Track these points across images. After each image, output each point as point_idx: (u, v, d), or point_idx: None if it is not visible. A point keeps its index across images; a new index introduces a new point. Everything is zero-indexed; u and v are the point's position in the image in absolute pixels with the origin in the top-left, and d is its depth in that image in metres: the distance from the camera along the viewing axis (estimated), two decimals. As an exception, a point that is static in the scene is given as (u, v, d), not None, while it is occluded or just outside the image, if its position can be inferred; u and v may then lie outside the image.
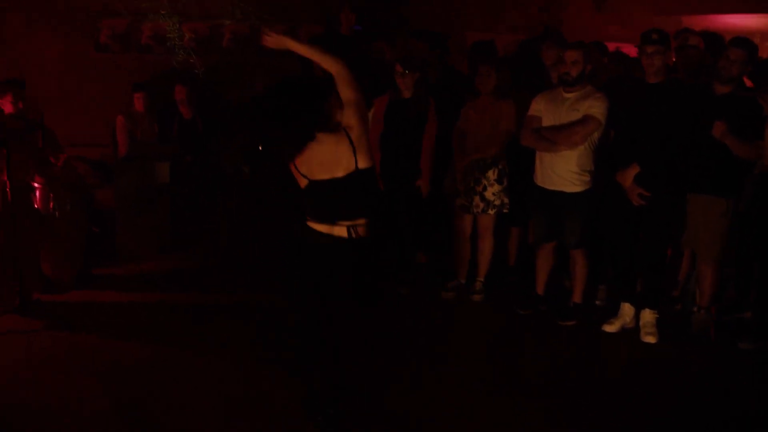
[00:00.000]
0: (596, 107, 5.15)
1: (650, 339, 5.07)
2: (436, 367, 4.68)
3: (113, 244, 6.81)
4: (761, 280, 5.12)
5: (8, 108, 5.91)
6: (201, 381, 4.41)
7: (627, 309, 5.26)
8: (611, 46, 6.61)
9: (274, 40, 3.68)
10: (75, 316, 5.39)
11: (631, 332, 5.18)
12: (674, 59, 5.83)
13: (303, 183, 3.55)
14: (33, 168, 5.87)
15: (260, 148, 7.46)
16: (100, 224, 6.57)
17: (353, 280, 3.58)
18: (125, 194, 6.83)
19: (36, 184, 5.79)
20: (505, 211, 5.73)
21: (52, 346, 4.90)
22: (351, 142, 3.45)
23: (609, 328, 5.24)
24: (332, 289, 3.57)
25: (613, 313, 5.31)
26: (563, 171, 5.26)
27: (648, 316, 5.14)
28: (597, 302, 5.71)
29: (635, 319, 5.22)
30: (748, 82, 5.48)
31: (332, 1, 7.99)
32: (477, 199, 5.71)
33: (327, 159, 3.47)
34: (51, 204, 5.79)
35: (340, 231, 3.50)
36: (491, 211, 5.70)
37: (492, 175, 5.67)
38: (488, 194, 5.68)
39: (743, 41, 5.01)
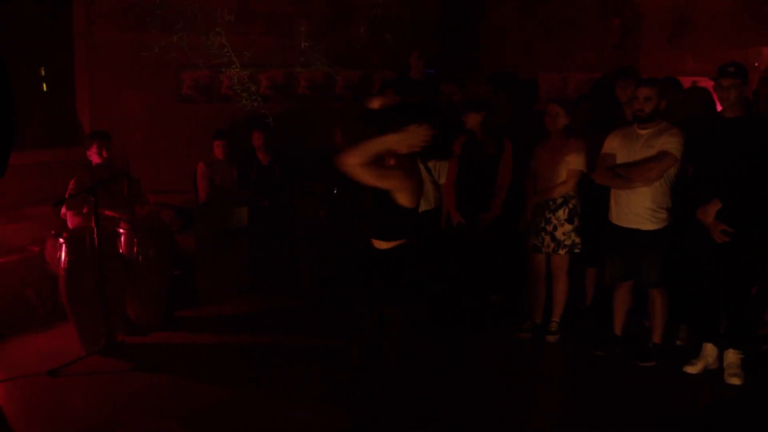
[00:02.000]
0: (671, 143, 5.07)
1: (735, 381, 4.89)
2: (514, 410, 4.62)
3: (194, 287, 6.99)
4: None
5: (95, 158, 6.22)
6: (282, 426, 4.45)
7: (710, 349, 5.09)
8: (687, 81, 6.52)
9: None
10: (158, 357, 5.53)
11: (715, 374, 5.01)
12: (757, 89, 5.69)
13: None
14: (119, 215, 6.13)
15: (335, 192, 7.64)
16: (182, 268, 6.76)
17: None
18: (205, 238, 7.01)
19: (121, 230, 6.02)
20: (576, 251, 5.66)
21: (136, 387, 5.02)
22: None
23: (691, 369, 5.08)
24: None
25: (695, 353, 5.15)
26: (639, 208, 5.18)
27: (732, 356, 4.97)
28: (678, 342, 5.54)
29: (718, 360, 5.05)
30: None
31: (403, 46, 8.14)
32: (548, 239, 5.66)
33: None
34: (135, 249, 6.00)
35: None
36: (562, 251, 5.64)
37: (562, 214, 5.62)
38: (558, 234, 5.63)
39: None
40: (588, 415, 4.60)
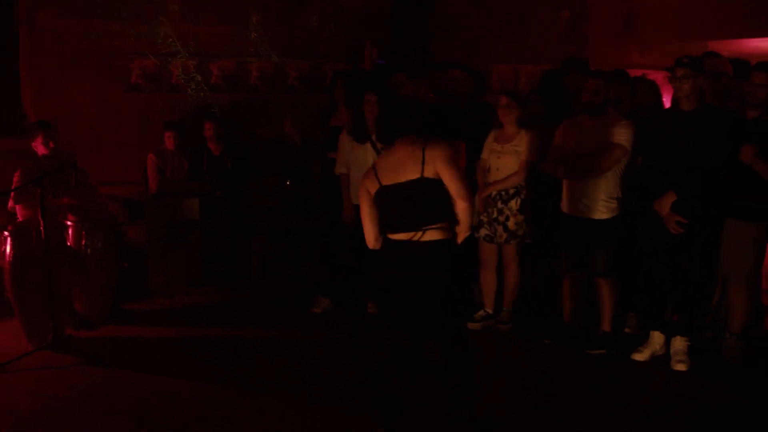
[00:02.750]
0: (622, 134, 5.15)
1: (681, 367, 5.00)
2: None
3: (144, 279, 6.89)
4: None
5: (41, 149, 6.08)
6: (236, 417, 4.42)
7: (657, 337, 5.20)
8: (634, 73, 6.62)
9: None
10: (107, 352, 5.46)
11: (662, 360, 5.11)
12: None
13: (374, 188, 3.87)
14: (66, 207, 6.00)
15: (288, 183, 7.61)
16: (131, 260, 6.66)
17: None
18: (155, 230, 6.92)
19: (69, 222, 5.90)
20: (528, 241, 5.73)
21: (85, 382, 4.94)
22: (423, 157, 3.74)
23: (639, 357, 5.18)
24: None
25: (643, 341, 5.26)
26: (590, 198, 5.26)
27: (679, 343, 5.08)
28: (627, 330, 5.65)
29: (665, 347, 5.16)
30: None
31: (355, 37, 8.12)
32: (500, 229, 5.71)
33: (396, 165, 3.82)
34: (83, 242, 5.89)
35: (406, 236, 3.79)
36: (514, 241, 5.71)
37: (514, 205, 5.67)
38: (511, 224, 5.68)
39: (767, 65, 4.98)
40: (537, 402, 4.65)
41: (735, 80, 5.74)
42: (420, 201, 3.78)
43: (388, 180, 3.83)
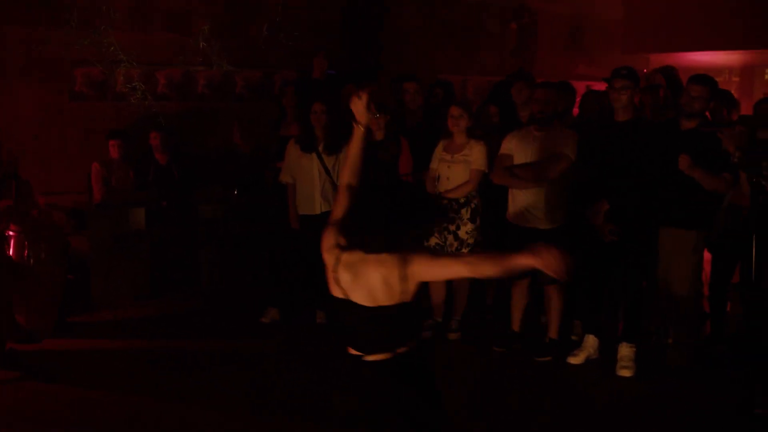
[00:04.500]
0: (567, 145, 5.24)
1: (626, 372, 5.10)
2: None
3: (89, 292, 6.75)
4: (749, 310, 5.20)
5: (-22, 160, 5.94)
6: (177, 429, 4.36)
7: (591, 341, 5.33)
8: (580, 85, 6.76)
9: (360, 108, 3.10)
10: (51, 365, 5.32)
11: (608, 366, 5.19)
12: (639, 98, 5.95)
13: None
14: (6, 217, 5.86)
15: (235, 192, 7.55)
16: (75, 272, 6.52)
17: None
18: (100, 241, 6.79)
19: (11, 233, 5.76)
20: (478, 249, 5.77)
21: (27, 397, 4.82)
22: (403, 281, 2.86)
23: (574, 360, 5.31)
24: None
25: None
26: (535, 208, 5.33)
27: (625, 349, 5.17)
28: (573, 337, 5.73)
29: (599, 351, 5.31)
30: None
31: (305, 46, 8.11)
32: (451, 237, 5.75)
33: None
34: (25, 252, 5.75)
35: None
36: (465, 250, 5.74)
37: (465, 214, 5.72)
38: (461, 233, 5.72)
39: (703, 78, 5.11)
40: (485, 410, 4.69)
41: (669, 93, 5.91)
42: (396, 324, 2.95)
43: (357, 298, 2.90)
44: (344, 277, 2.90)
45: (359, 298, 2.88)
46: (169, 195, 7.27)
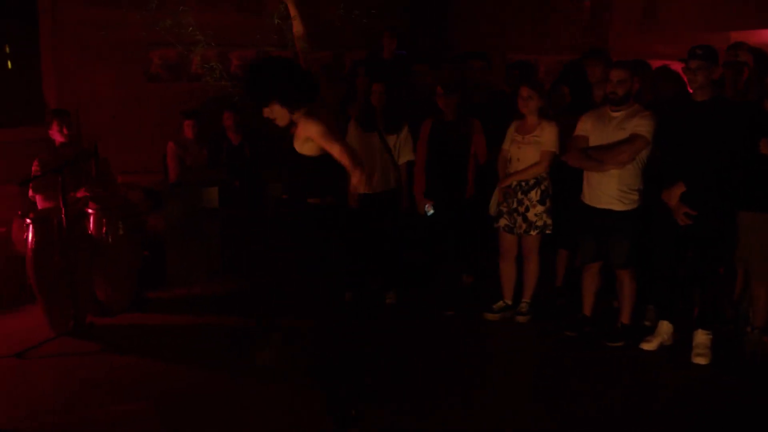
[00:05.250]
0: (643, 126, 5.11)
1: (701, 360, 4.97)
2: (484, 390, 4.66)
3: (164, 268, 6.92)
4: None
5: (57, 137, 6.13)
6: (255, 406, 4.44)
7: (665, 327, 5.21)
8: (656, 64, 6.56)
9: None
10: (127, 339, 5.50)
11: (683, 353, 5.07)
12: (721, 74, 5.74)
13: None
14: (87, 195, 6.04)
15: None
16: (151, 249, 6.69)
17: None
18: (175, 219, 6.95)
19: (90, 210, 5.94)
20: (548, 232, 5.69)
21: (105, 368, 4.99)
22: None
23: (647, 346, 5.20)
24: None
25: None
26: (611, 190, 5.22)
27: (701, 336, 5.04)
28: (646, 323, 5.62)
29: (672, 337, 5.19)
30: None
31: (375, 26, 8.09)
32: (520, 220, 5.69)
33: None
34: (104, 229, 5.93)
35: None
36: (534, 232, 5.67)
37: (535, 195, 5.64)
38: (531, 215, 5.65)
39: (789, 56, 4.93)
40: (555, 396, 4.64)
41: (756, 72, 5.68)
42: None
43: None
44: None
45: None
46: (242, 174, 7.37)
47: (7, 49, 7.56)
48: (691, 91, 5.13)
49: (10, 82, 7.54)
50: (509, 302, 5.93)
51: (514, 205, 5.70)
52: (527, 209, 5.67)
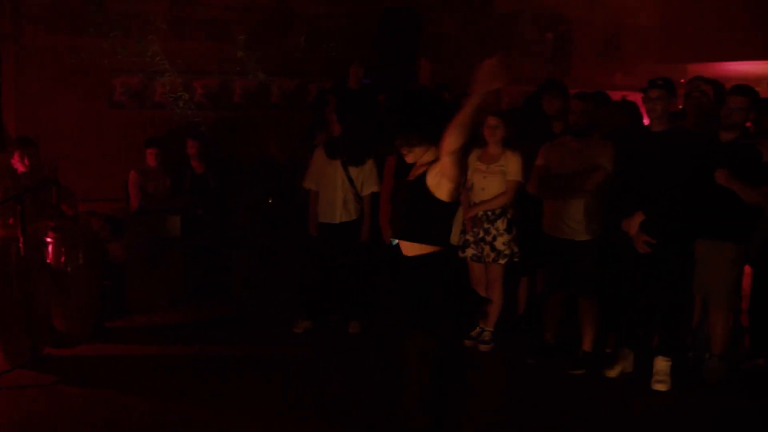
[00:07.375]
0: (604, 156, 5.20)
1: (661, 387, 5.02)
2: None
3: (124, 297, 6.82)
4: None
5: (19, 167, 6.05)
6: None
7: (626, 354, 5.26)
8: (616, 95, 6.69)
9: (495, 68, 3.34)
10: (86, 370, 5.38)
11: (643, 380, 5.12)
12: (681, 106, 5.86)
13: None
14: (46, 223, 5.95)
15: (270, 201, 7.59)
16: (112, 278, 6.60)
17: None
18: (136, 247, 6.87)
19: (49, 239, 5.85)
20: (515, 260, 5.73)
21: (63, 401, 4.87)
22: None
23: (609, 373, 5.25)
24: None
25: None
26: (572, 220, 5.29)
27: (661, 363, 5.10)
28: (608, 350, 5.66)
29: (633, 365, 5.25)
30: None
31: (340, 56, 8.15)
32: (488, 248, 5.72)
33: None
34: (63, 258, 5.84)
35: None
36: (502, 261, 5.70)
37: (501, 224, 5.68)
38: (498, 244, 5.69)
39: (744, 88, 5.05)
40: (521, 422, 4.64)
41: (714, 103, 5.81)
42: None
43: None
44: None
45: None
46: (205, 203, 7.33)
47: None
48: (647, 122, 5.24)
49: (-31, 109, 7.44)
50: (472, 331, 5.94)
51: (481, 234, 5.73)
52: (494, 238, 5.70)
